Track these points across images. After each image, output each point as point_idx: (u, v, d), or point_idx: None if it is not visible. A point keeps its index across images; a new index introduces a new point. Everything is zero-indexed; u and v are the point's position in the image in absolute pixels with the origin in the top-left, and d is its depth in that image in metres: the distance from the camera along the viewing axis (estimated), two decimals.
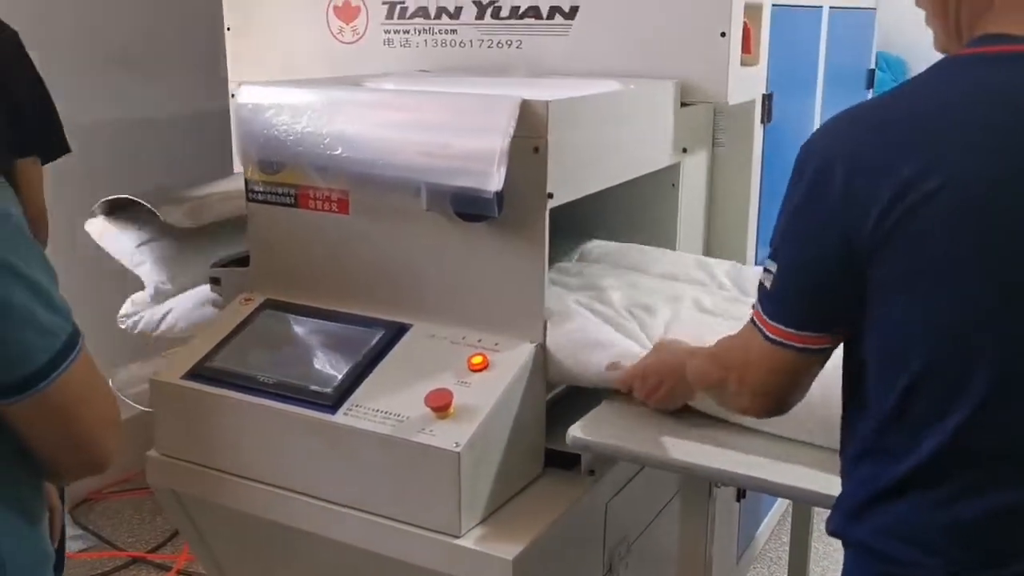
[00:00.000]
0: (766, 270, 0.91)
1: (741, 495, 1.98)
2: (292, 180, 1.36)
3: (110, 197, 1.57)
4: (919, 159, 0.79)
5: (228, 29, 2.06)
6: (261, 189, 1.38)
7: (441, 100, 1.27)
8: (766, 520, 2.33)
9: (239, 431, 1.28)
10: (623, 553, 1.49)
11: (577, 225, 1.48)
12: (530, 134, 1.20)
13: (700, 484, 1.41)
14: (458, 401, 1.18)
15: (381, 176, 1.26)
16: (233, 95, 2.10)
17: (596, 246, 1.61)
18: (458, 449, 1.14)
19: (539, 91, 1.28)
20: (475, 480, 1.17)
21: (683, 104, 1.60)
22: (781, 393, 0.96)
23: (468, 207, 1.24)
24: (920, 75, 0.87)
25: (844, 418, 0.94)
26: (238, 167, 2.10)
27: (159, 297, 1.60)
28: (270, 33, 2.03)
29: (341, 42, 1.97)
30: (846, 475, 0.92)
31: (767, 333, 0.91)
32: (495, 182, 1.18)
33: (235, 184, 1.71)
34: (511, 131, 1.18)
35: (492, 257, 1.26)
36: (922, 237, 0.79)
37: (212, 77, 2.12)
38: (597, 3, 1.72)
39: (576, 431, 1.22)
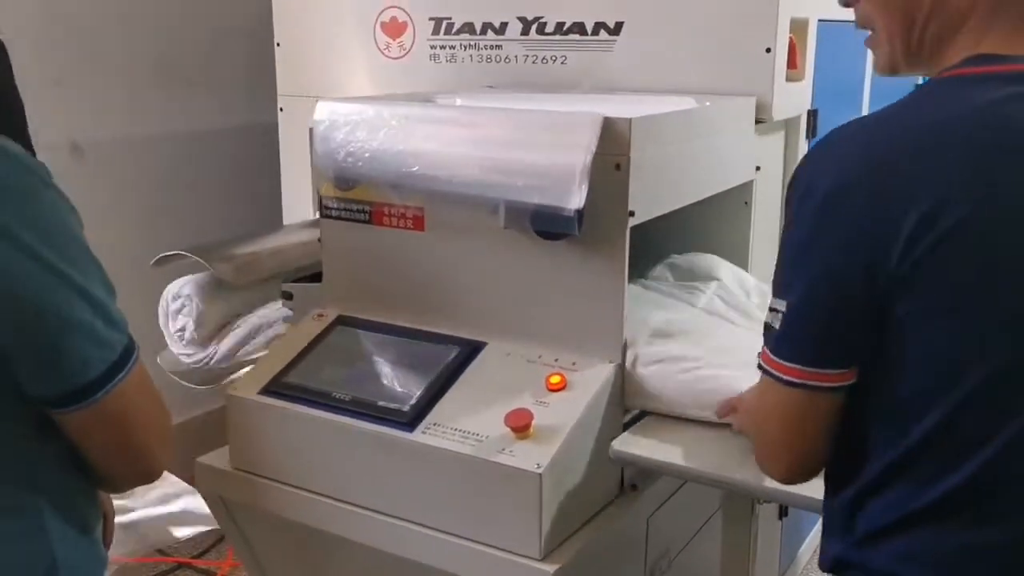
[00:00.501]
0: (772, 310, 0.86)
1: (783, 513, 1.96)
2: (367, 196, 1.35)
3: (168, 253, 1.60)
4: (943, 183, 0.76)
5: (278, 45, 2.06)
6: (335, 205, 1.38)
7: (521, 117, 1.26)
8: (808, 539, 2.31)
9: (313, 447, 1.27)
10: (664, 568, 1.48)
11: (650, 244, 1.47)
12: (612, 151, 1.20)
13: (742, 500, 1.40)
14: (537, 421, 1.17)
15: (458, 193, 1.25)
16: (282, 108, 2.12)
17: None
18: (539, 470, 1.13)
19: (616, 108, 1.28)
20: (555, 501, 1.16)
21: (758, 121, 1.59)
22: (805, 446, 0.88)
23: (548, 225, 1.23)
24: (914, 97, 0.83)
25: (849, 447, 0.88)
26: (285, 177, 2.11)
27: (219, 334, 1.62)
28: (319, 48, 2.03)
29: (388, 57, 1.97)
30: (851, 504, 0.87)
31: (781, 376, 0.85)
32: (576, 200, 1.17)
33: (284, 239, 1.79)
34: (593, 148, 1.17)
35: (571, 275, 1.25)
36: (961, 262, 0.76)
37: (260, 91, 2.12)
38: (642, 19, 1.72)
39: (618, 444, 1.21)
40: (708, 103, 1.47)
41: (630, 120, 1.19)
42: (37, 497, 0.85)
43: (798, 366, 0.84)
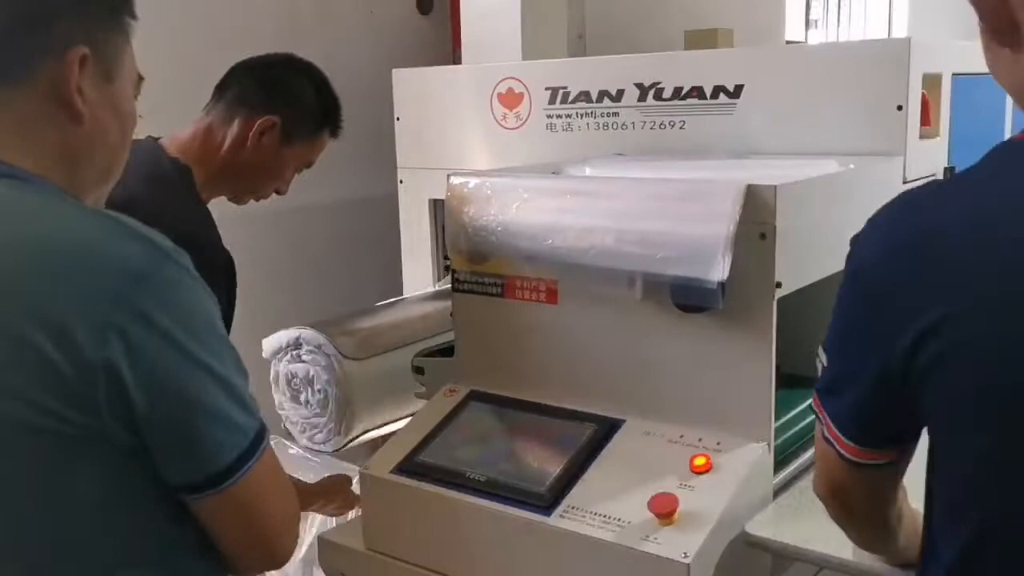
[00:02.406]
0: (820, 353, 0.83)
1: None
2: (499, 270, 1.33)
3: (291, 329, 1.66)
4: (957, 288, 0.68)
5: (397, 119, 2.12)
6: (467, 279, 1.37)
7: (658, 186, 1.23)
8: None
9: (448, 528, 1.23)
10: None
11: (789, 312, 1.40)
12: (757, 220, 1.15)
13: None
14: (682, 506, 1.11)
15: (594, 266, 1.22)
16: (401, 181, 2.17)
17: None
18: (687, 560, 1.06)
19: (756, 173, 1.23)
20: None
21: (906, 181, 1.52)
22: (835, 482, 0.87)
23: (689, 298, 1.18)
24: (979, 168, 0.75)
25: (927, 532, 0.82)
26: (405, 249, 2.14)
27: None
28: (437, 121, 2.07)
29: (504, 128, 1.99)
30: None
31: (821, 419, 0.84)
32: (720, 272, 1.12)
33: (404, 312, 1.82)
34: (737, 217, 1.13)
35: (714, 350, 1.19)
36: (967, 368, 0.68)
37: (379, 164, 2.17)
38: (763, 81, 1.67)
39: (752, 527, 1.13)
40: (852, 165, 1.40)
41: (775, 187, 1.14)
42: None
43: (830, 424, 0.83)
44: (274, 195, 1.65)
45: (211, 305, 0.84)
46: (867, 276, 0.75)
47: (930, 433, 0.77)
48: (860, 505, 0.89)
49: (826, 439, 0.84)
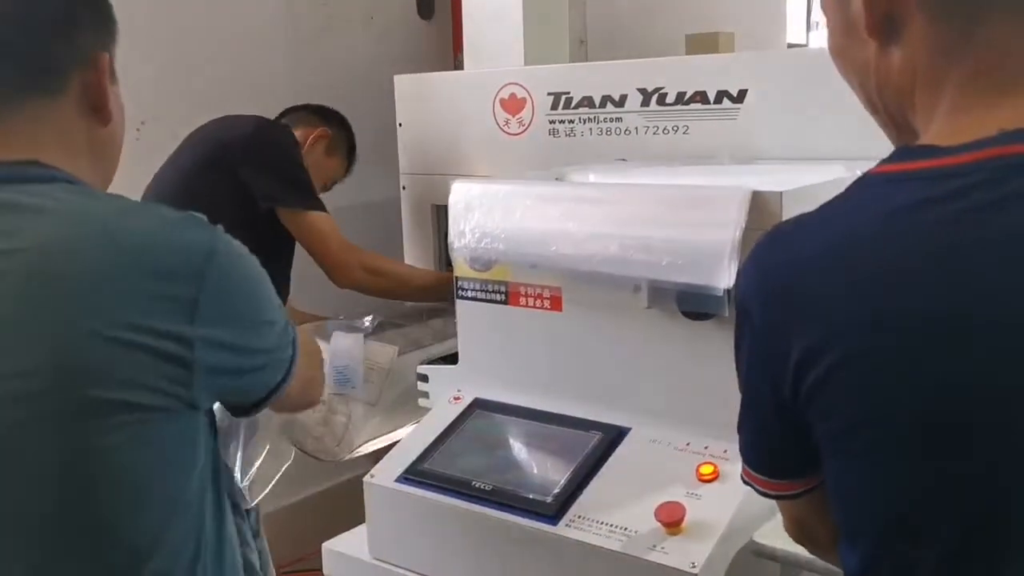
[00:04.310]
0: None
1: None
2: (503, 277, 1.33)
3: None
4: (829, 314, 0.67)
5: (400, 124, 2.11)
6: (471, 286, 1.36)
7: (663, 192, 1.23)
8: None
9: (453, 538, 1.23)
10: None
11: None
12: (762, 226, 1.13)
13: None
14: (690, 516, 1.10)
15: (598, 273, 1.21)
16: (404, 187, 2.16)
17: None
18: (696, 570, 1.06)
19: (761, 179, 1.22)
20: None
21: None
22: (811, 535, 0.85)
23: (695, 305, 1.17)
24: (840, 200, 0.72)
25: None
26: (408, 254, 2.14)
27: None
28: (439, 127, 2.06)
29: (507, 133, 1.98)
30: None
31: (742, 476, 0.82)
32: (726, 279, 1.11)
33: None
34: (743, 223, 1.12)
35: (720, 357, 1.17)
36: (838, 401, 0.67)
37: (383, 169, 2.17)
38: (767, 86, 1.66)
39: (760, 537, 1.11)
40: (859, 171, 1.39)
41: (781, 193, 1.14)
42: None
43: (744, 467, 0.81)
44: None
45: (258, 264, 0.90)
46: (748, 312, 0.74)
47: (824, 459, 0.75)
48: (824, 536, 0.84)
49: (745, 483, 0.82)
